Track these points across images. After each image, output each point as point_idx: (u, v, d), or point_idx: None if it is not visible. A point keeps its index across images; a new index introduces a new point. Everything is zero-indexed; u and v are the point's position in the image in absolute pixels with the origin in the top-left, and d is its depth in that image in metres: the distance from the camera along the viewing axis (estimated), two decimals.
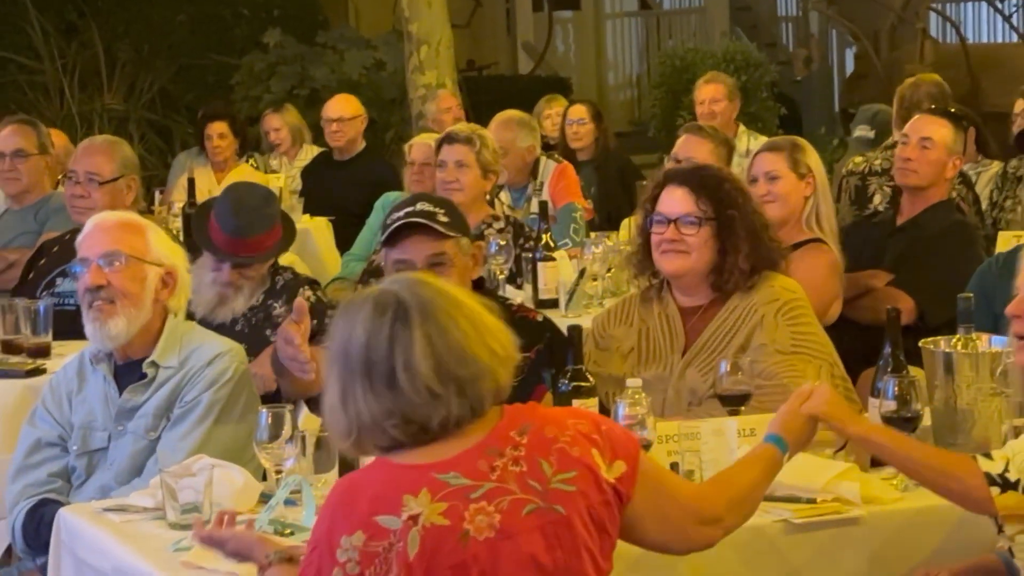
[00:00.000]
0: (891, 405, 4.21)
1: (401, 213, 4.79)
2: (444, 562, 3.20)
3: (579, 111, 10.52)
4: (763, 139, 9.03)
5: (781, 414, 3.83)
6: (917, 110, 7.63)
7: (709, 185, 4.86)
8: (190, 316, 5.67)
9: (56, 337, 5.88)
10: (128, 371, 4.62)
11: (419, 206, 4.79)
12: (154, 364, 4.59)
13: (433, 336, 3.25)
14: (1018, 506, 3.66)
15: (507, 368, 3.33)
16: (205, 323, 5.61)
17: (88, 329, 4.60)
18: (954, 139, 6.40)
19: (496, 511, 3.23)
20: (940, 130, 6.40)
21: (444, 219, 4.75)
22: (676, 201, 4.82)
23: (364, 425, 3.27)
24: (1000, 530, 3.74)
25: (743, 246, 4.81)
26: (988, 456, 3.73)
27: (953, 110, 7.44)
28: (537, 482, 3.26)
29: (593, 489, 3.32)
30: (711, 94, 9.93)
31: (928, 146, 6.35)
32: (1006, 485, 3.67)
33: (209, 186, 10.29)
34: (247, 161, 11.10)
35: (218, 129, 10.84)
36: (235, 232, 5.60)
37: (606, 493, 3.33)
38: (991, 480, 3.68)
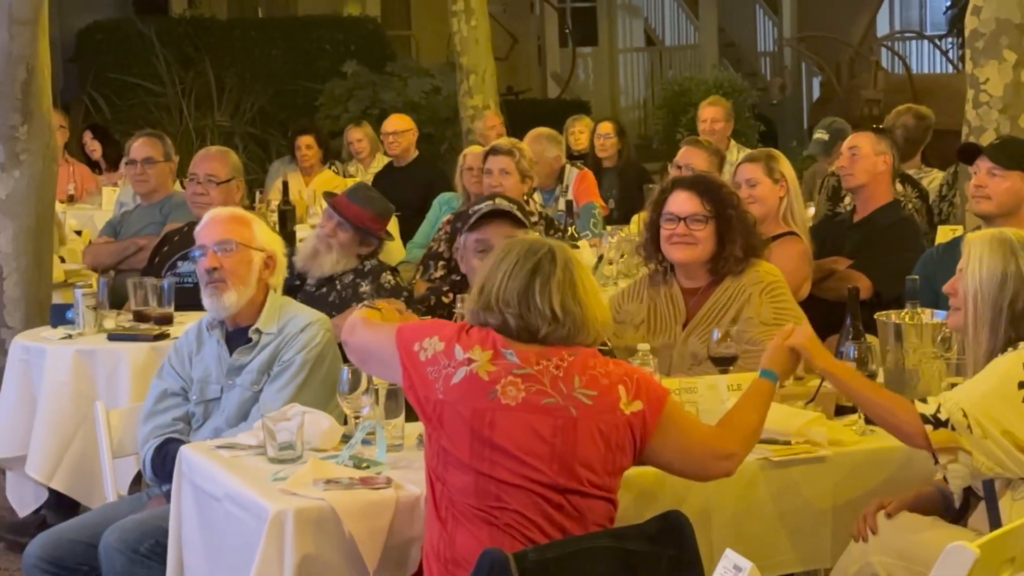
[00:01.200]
0: (852, 365, 4.21)
1: (484, 204, 4.88)
2: (471, 402, 3.45)
3: (606, 127, 10.50)
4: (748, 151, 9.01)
5: (769, 350, 3.89)
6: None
7: (711, 190, 4.86)
8: (291, 266, 5.77)
9: (177, 309, 5.86)
10: (237, 336, 4.62)
11: (498, 201, 4.88)
12: (258, 330, 4.58)
13: (566, 279, 3.51)
14: (948, 440, 3.68)
15: (596, 328, 3.55)
16: (306, 287, 5.70)
17: (206, 302, 4.60)
18: (875, 143, 6.38)
19: (524, 390, 3.45)
20: (862, 139, 6.40)
21: (519, 212, 4.83)
22: (685, 203, 4.82)
23: (491, 301, 3.53)
24: (936, 461, 3.74)
25: (738, 238, 4.81)
26: (924, 401, 3.75)
27: (880, 126, 7.42)
28: (564, 386, 3.45)
29: (607, 410, 3.45)
30: (712, 114, 9.88)
31: (855, 153, 6.36)
32: (938, 423, 3.69)
33: (299, 187, 10.30)
34: (329, 167, 11.10)
35: (306, 141, 10.84)
36: (353, 199, 5.88)
37: (619, 418, 3.46)
38: (925, 419, 3.69)
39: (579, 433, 3.42)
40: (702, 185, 4.87)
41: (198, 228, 4.69)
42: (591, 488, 3.44)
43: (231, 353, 4.60)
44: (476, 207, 4.90)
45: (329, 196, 6.03)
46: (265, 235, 4.70)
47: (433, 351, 3.54)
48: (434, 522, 3.50)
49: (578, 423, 3.43)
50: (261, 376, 4.53)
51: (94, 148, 11.28)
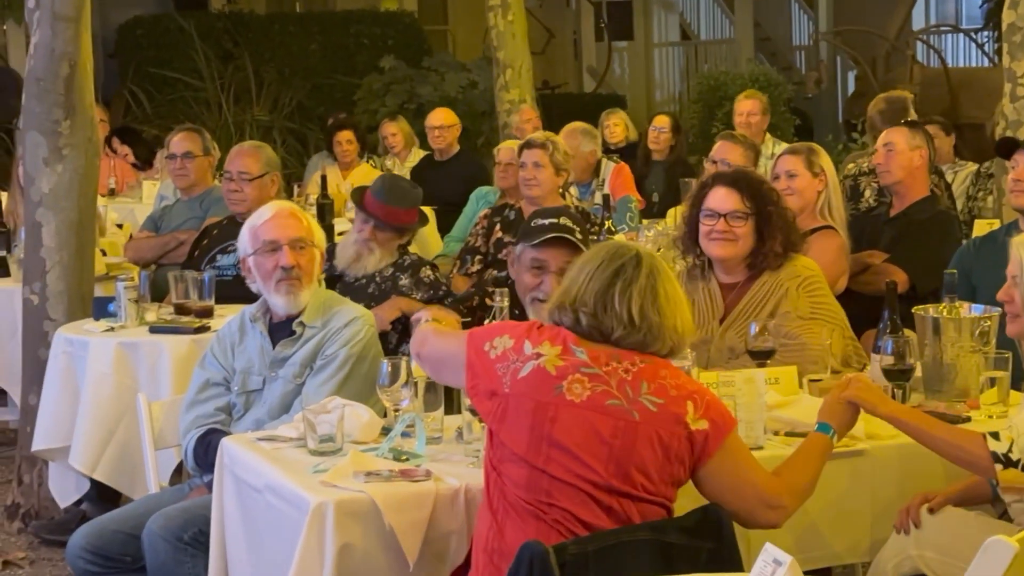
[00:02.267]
0: (890, 360, 4.20)
1: (547, 222, 4.77)
2: (535, 395, 3.44)
3: (662, 120, 10.43)
4: (784, 144, 8.98)
5: (826, 404, 3.78)
6: (874, 127, 7.72)
7: (752, 186, 4.84)
8: (332, 269, 5.79)
9: (217, 301, 5.87)
10: (280, 328, 4.63)
11: (562, 220, 4.78)
12: (302, 323, 4.59)
13: (649, 286, 3.48)
14: (1016, 480, 3.59)
15: (674, 338, 3.52)
16: (345, 279, 5.72)
17: (279, 300, 4.59)
18: (910, 138, 6.34)
19: (589, 389, 3.43)
20: (897, 135, 6.37)
21: (580, 236, 4.75)
22: (725, 199, 4.80)
23: (567, 301, 3.52)
24: (996, 496, 3.68)
25: (778, 234, 4.79)
26: (996, 436, 3.62)
27: (909, 119, 7.38)
28: (631, 390, 3.43)
29: (670, 420, 3.41)
30: (749, 108, 9.83)
31: (891, 149, 6.33)
32: (1008, 463, 3.58)
33: (337, 181, 10.32)
34: (367, 161, 11.12)
35: (347, 136, 10.86)
36: (383, 199, 5.89)
37: (681, 430, 3.42)
38: (996, 458, 3.58)
39: (639, 438, 3.39)
40: (743, 181, 4.85)
41: (260, 223, 4.67)
42: (644, 493, 3.40)
43: (274, 345, 4.61)
44: (539, 221, 4.82)
45: (357, 195, 6.03)
46: (318, 231, 4.74)
47: (503, 348, 3.53)
48: (485, 512, 3.50)
49: (639, 428, 3.39)
50: (304, 369, 4.54)
51: (126, 152, 11.24)
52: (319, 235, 4.73)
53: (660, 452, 3.40)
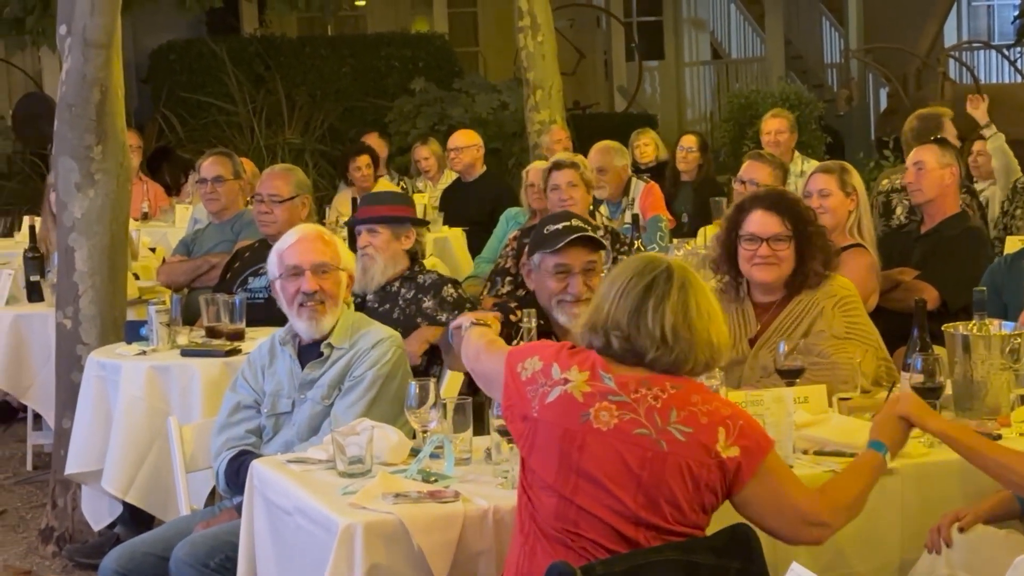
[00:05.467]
0: (919, 378, 4.17)
1: (560, 226, 4.76)
2: (562, 421, 3.39)
3: (690, 140, 10.44)
4: (814, 162, 8.96)
5: (877, 422, 3.70)
6: (908, 144, 7.74)
7: (791, 208, 4.83)
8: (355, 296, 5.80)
9: (248, 324, 5.89)
10: (309, 350, 4.65)
11: (575, 222, 4.78)
12: (330, 345, 4.61)
13: (681, 300, 3.41)
14: None
15: (708, 353, 3.44)
16: (368, 304, 5.72)
17: (302, 325, 4.62)
18: (940, 156, 6.33)
19: (617, 417, 3.37)
20: (927, 154, 6.35)
21: (597, 234, 4.77)
22: (766, 223, 4.79)
23: (599, 322, 3.46)
24: None
25: (818, 254, 4.78)
26: None
27: (938, 137, 7.36)
28: (660, 418, 3.36)
29: (700, 450, 3.34)
30: (776, 126, 9.82)
31: (921, 167, 6.32)
32: None
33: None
34: (398, 183, 11.15)
35: (364, 160, 10.83)
36: (368, 201, 6.05)
37: (711, 459, 3.34)
38: None
39: (667, 469, 3.33)
40: (781, 204, 4.84)
41: (286, 247, 4.70)
42: (674, 524, 3.35)
43: (303, 367, 4.62)
44: (552, 227, 4.81)
45: (351, 220, 6.11)
46: (346, 253, 4.76)
47: (532, 370, 3.49)
48: (517, 534, 3.49)
49: (667, 458, 3.33)
50: (332, 391, 4.55)
51: (155, 189, 11.17)
52: (346, 258, 4.74)
53: (690, 483, 3.34)
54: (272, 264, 4.71)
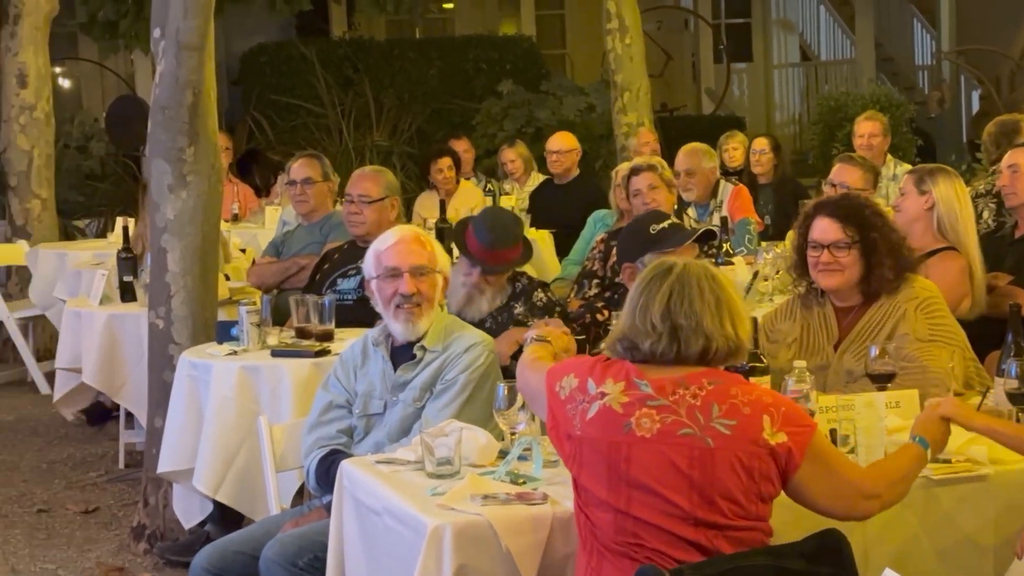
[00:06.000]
0: (1014, 383, 4.13)
1: (666, 225, 4.98)
2: (606, 435, 3.40)
3: (761, 143, 10.50)
4: (906, 166, 8.89)
5: (920, 420, 3.77)
6: (987, 149, 7.64)
7: (853, 214, 4.78)
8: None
9: (337, 325, 5.92)
10: (401, 352, 4.67)
11: (676, 220, 4.98)
12: (423, 348, 4.63)
13: (675, 291, 3.43)
14: None
15: (728, 342, 3.43)
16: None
17: (398, 326, 4.64)
18: None
19: (659, 422, 3.37)
20: (1021, 156, 6.26)
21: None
22: (827, 230, 4.76)
23: (623, 330, 3.48)
24: None
25: (886, 260, 4.73)
26: None
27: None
28: (702, 415, 3.36)
29: (747, 441, 3.35)
30: (869, 129, 9.75)
31: (1016, 170, 6.24)
32: None
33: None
34: (485, 186, 11.16)
35: (445, 163, 10.84)
36: (489, 245, 5.72)
37: (760, 449, 3.35)
38: None
39: (717, 464, 3.33)
40: (844, 210, 4.80)
41: (385, 248, 4.72)
42: (736, 519, 3.35)
43: (395, 369, 4.65)
44: (657, 227, 4.86)
45: (459, 236, 5.82)
46: (441, 256, 4.77)
47: (570, 388, 3.51)
48: (582, 552, 3.51)
49: (715, 454, 3.33)
50: (424, 393, 4.57)
51: (245, 191, 11.26)
52: (443, 260, 4.76)
53: (744, 475, 3.35)
54: (369, 264, 4.74)
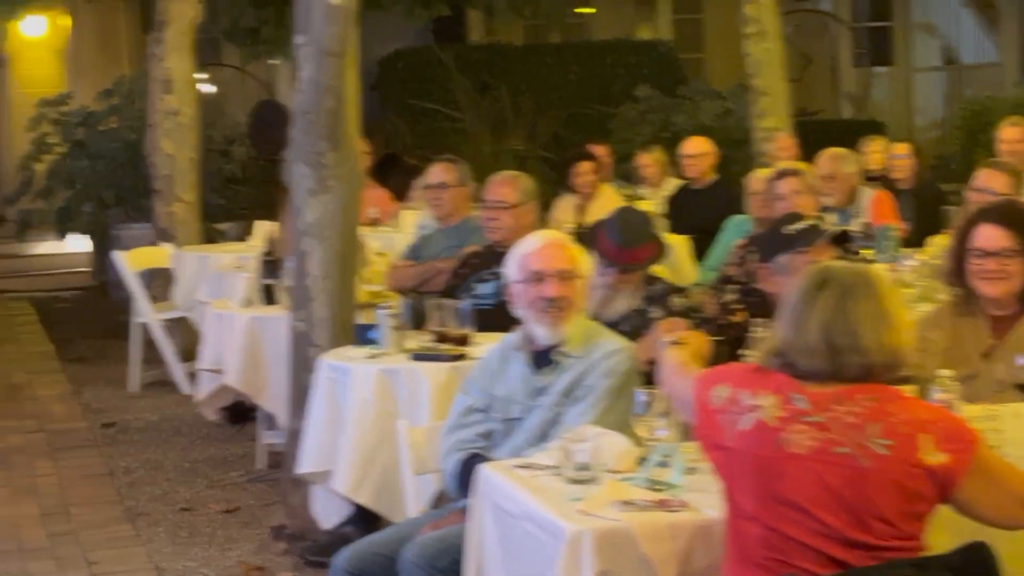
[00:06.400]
0: None
1: (804, 226, 5.00)
2: (758, 449, 3.34)
3: (901, 148, 10.44)
4: None
5: None
6: None
7: (1020, 220, 4.70)
8: None
9: (475, 330, 5.96)
10: (541, 357, 4.67)
11: (808, 222, 4.96)
12: (563, 353, 4.63)
13: (832, 306, 3.35)
14: None
15: (887, 356, 3.34)
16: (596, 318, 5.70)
17: (541, 330, 4.66)
18: None
19: (814, 439, 3.30)
20: None
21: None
22: (994, 238, 4.66)
23: (778, 342, 3.41)
24: None
25: None
26: None
27: None
28: (857, 434, 3.28)
29: (903, 462, 3.25)
30: (1014, 135, 9.58)
31: None
32: None
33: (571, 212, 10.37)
34: (620, 189, 11.13)
35: (587, 167, 10.83)
36: (621, 244, 5.74)
37: (918, 470, 3.26)
38: None
39: (870, 485, 3.26)
40: (1010, 217, 4.70)
41: (529, 252, 4.74)
42: (887, 539, 3.28)
43: (535, 374, 4.66)
44: (791, 228, 4.84)
45: (590, 238, 5.80)
46: (584, 260, 4.79)
47: (722, 399, 3.46)
48: (727, 559, 3.48)
49: (869, 475, 3.25)
50: (563, 398, 4.57)
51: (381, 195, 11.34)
52: (585, 265, 4.77)
53: (899, 496, 3.26)
54: (512, 267, 4.76)
